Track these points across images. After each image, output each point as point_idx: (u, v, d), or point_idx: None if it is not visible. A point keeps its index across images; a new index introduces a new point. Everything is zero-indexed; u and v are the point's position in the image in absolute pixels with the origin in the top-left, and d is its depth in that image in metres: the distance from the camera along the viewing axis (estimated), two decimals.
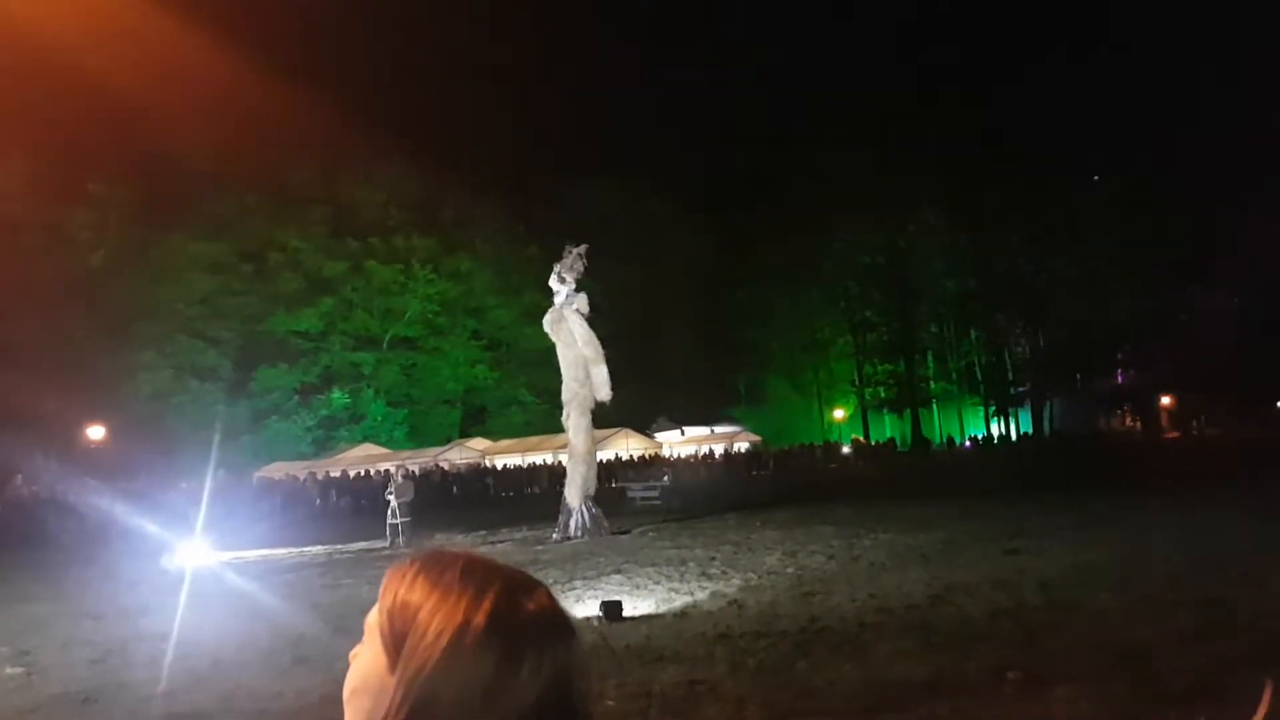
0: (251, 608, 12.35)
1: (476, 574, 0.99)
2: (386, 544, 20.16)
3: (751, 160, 67.42)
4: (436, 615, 0.94)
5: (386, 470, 40.95)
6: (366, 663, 0.98)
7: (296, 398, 54.69)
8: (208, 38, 42.79)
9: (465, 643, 0.93)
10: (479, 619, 0.94)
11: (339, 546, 21.15)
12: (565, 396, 21.71)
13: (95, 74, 39.94)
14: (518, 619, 0.96)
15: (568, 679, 0.97)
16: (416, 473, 32.27)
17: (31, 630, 11.29)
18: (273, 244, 54.39)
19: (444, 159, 55.36)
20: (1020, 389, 69.00)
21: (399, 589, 0.98)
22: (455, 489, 40.52)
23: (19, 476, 35.33)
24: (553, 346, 22.17)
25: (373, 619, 0.99)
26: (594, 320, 21.86)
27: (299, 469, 43.74)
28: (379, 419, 56.42)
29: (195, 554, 18.41)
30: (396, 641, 0.95)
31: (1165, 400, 66.24)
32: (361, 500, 38.22)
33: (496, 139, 60.04)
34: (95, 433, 42.18)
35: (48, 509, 28.66)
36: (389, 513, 20.53)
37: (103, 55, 39.64)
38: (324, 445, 53.84)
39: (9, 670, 9.05)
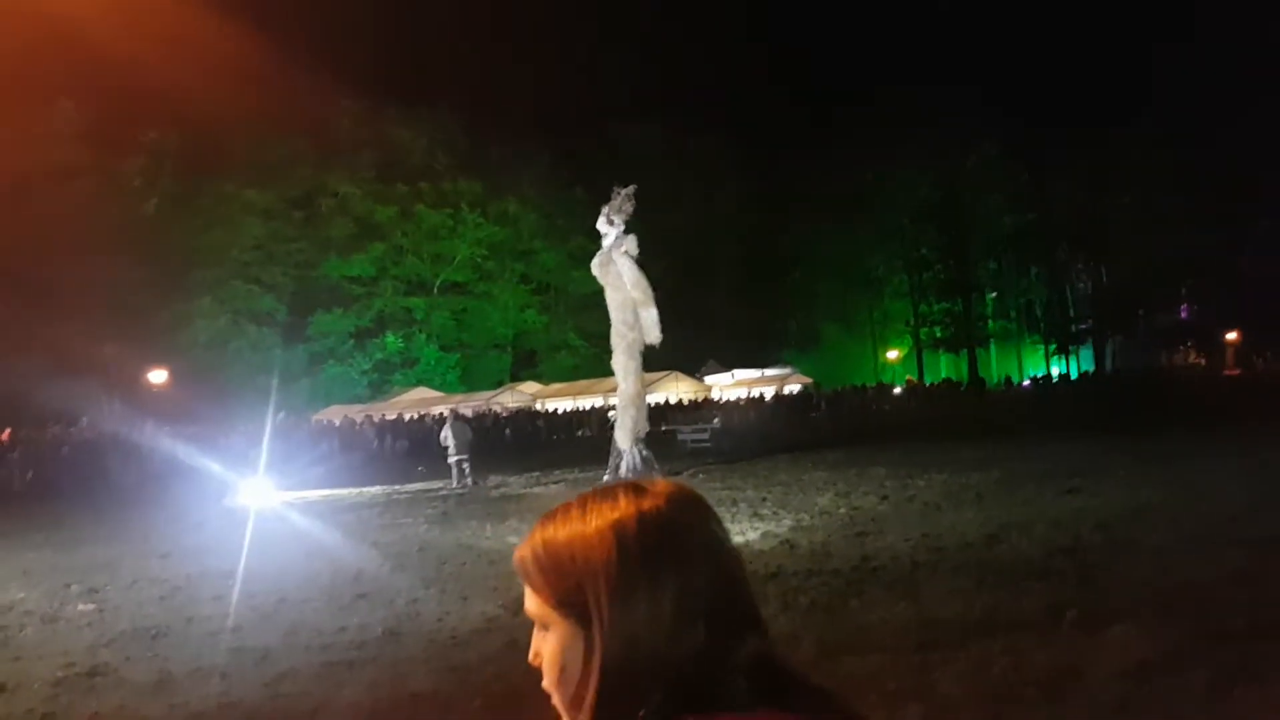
0: (313, 546, 12.63)
1: (595, 494, 0.98)
2: (454, 483, 20.72)
3: (802, 98, 66.19)
4: (590, 548, 0.92)
5: (441, 413, 41.75)
6: (554, 643, 0.94)
7: (351, 342, 55.57)
8: None
9: (630, 551, 0.91)
10: (631, 528, 0.92)
11: (397, 487, 21.53)
12: (614, 340, 21.66)
13: (143, 22, 40.15)
14: (661, 513, 0.93)
15: (725, 556, 0.96)
16: (469, 415, 32.70)
17: (101, 569, 11.66)
18: (322, 190, 54.88)
19: (489, 103, 55.24)
20: (1081, 327, 67.60)
21: (537, 552, 0.96)
22: (507, 432, 40.94)
23: (84, 420, 36.39)
24: (601, 290, 22.06)
25: (533, 608, 0.96)
26: (643, 262, 21.69)
27: (356, 412, 44.45)
28: (432, 363, 57.14)
29: (257, 494, 18.87)
30: (571, 600, 0.92)
31: (1230, 336, 64.57)
32: (418, 443, 38.87)
33: (541, 81, 59.51)
34: (157, 377, 43.16)
35: (112, 452, 29.48)
36: (449, 452, 21.06)
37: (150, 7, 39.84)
38: (379, 389, 54.69)
39: (81, 607, 9.38)
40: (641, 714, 0.86)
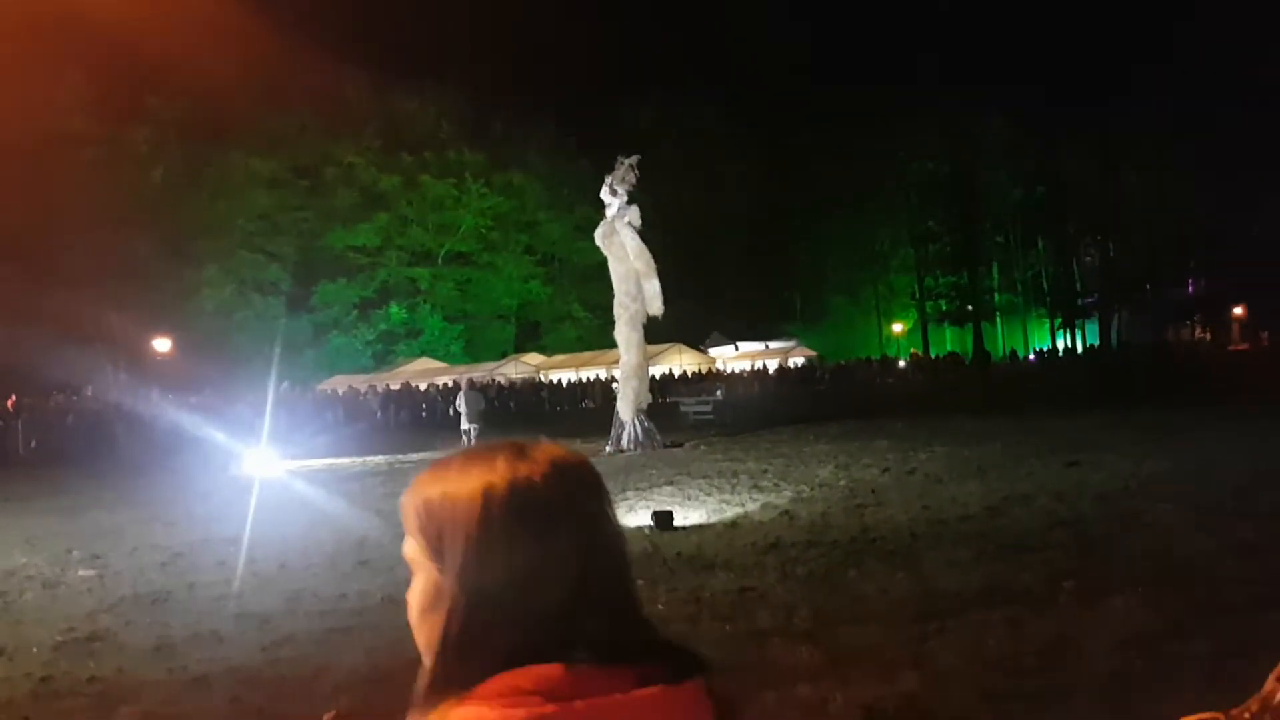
0: (316, 514, 12.67)
1: (481, 451, 0.99)
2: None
3: (808, 70, 65.62)
4: (458, 505, 0.94)
5: (445, 384, 41.82)
6: (418, 584, 0.97)
7: (356, 312, 55.60)
8: None
9: (494, 514, 0.92)
10: (499, 492, 0.93)
11: (399, 457, 21.58)
12: (617, 311, 21.61)
13: None
14: (533, 483, 0.94)
15: (595, 531, 0.96)
16: (474, 382, 32.75)
17: (103, 535, 11.72)
18: (328, 159, 54.67)
19: (493, 73, 54.87)
20: (1087, 300, 67.36)
21: (415, 500, 0.98)
22: (511, 403, 41.01)
23: (89, 388, 36.50)
24: (605, 261, 22.00)
25: (407, 550, 0.99)
26: (646, 233, 21.59)
27: (360, 382, 44.54)
28: (436, 334, 57.22)
29: (261, 463, 18.92)
30: (435, 546, 0.94)
31: (1237, 311, 64.36)
32: (421, 413, 38.96)
33: (546, 51, 59.08)
34: (162, 346, 43.25)
35: (117, 420, 29.58)
36: (461, 420, 21.59)
37: None
38: (383, 359, 54.79)
39: (83, 573, 9.41)
40: (477, 664, 0.89)
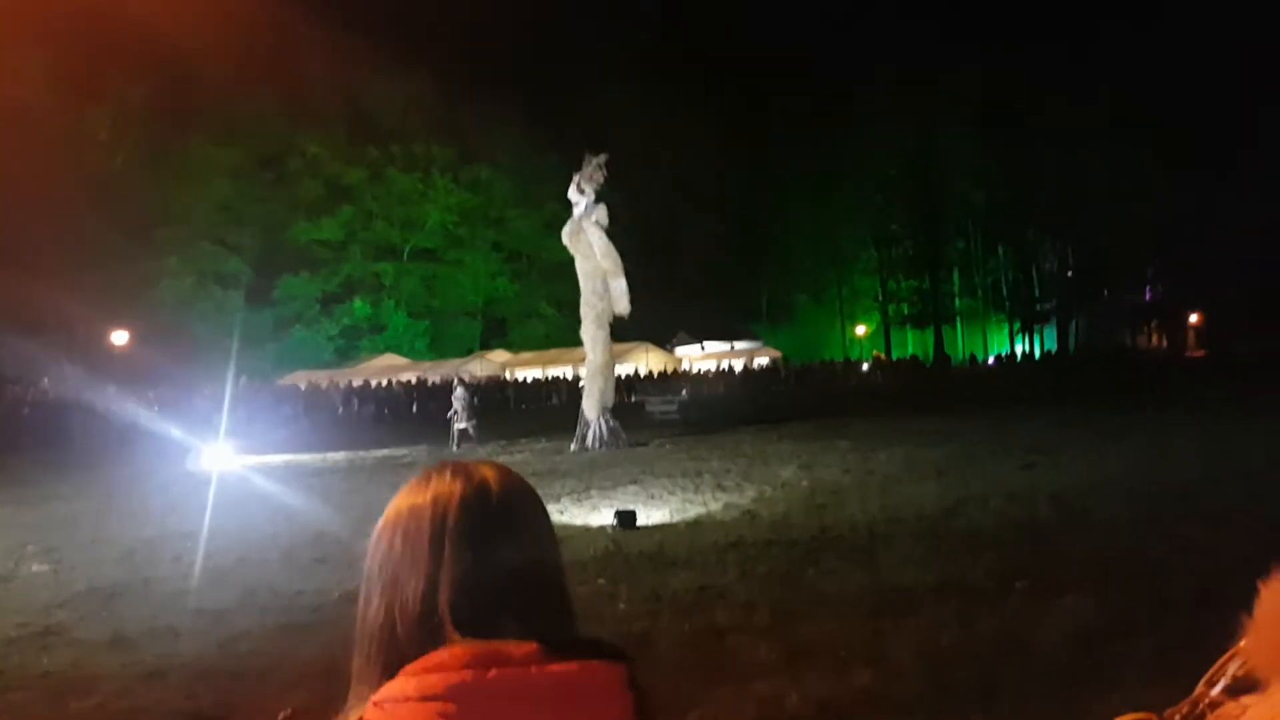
0: (274, 509, 12.58)
1: (421, 474, 1.08)
2: (455, 447, 21.67)
3: (776, 70, 65.88)
4: (384, 522, 1.05)
5: (410, 380, 41.60)
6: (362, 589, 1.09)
7: (319, 306, 55.10)
8: None
9: (389, 522, 1.04)
10: (406, 501, 1.04)
11: (360, 453, 21.44)
12: (583, 309, 21.64)
13: None
14: (466, 501, 1.02)
15: (528, 550, 1.02)
16: (467, 380, 32.68)
17: (59, 528, 11.56)
18: (292, 149, 54.09)
19: (462, 66, 54.45)
20: (1046, 305, 68.25)
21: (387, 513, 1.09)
22: (476, 400, 40.80)
23: (45, 380, 35.87)
24: (573, 259, 22.01)
25: None
26: (613, 233, 21.62)
27: (321, 377, 44.16)
28: (400, 329, 56.81)
29: (219, 458, 18.73)
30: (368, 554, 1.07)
31: (1193, 318, 65.50)
32: (383, 409, 38.68)
33: (515, 46, 58.86)
34: (119, 338, 42.57)
35: (73, 412, 29.11)
36: (451, 416, 22.34)
37: None
38: (346, 354, 54.35)
39: (37, 567, 9.28)
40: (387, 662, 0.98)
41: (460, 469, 1.06)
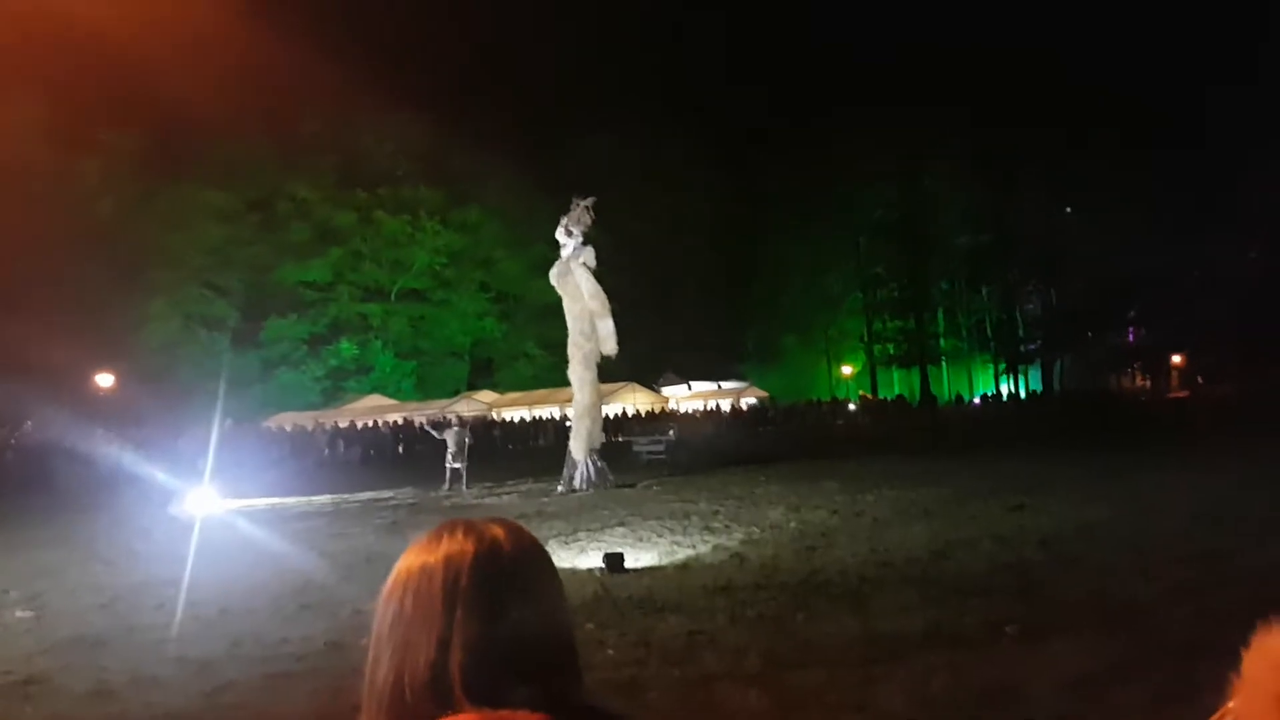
0: (259, 555, 12.45)
1: (434, 530, 1.08)
2: (446, 487, 21.42)
3: (763, 114, 66.66)
4: (391, 581, 1.05)
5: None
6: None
7: (305, 348, 54.93)
8: None
9: (399, 581, 1.03)
10: (417, 560, 1.04)
11: (346, 496, 21.31)
12: (570, 350, 21.70)
13: (103, 20, 39.53)
14: (460, 556, 1.03)
15: (530, 608, 1.02)
16: (463, 420, 32.61)
17: (42, 575, 11.41)
18: (281, 193, 54.25)
19: (452, 110, 54.82)
20: (1031, 346, 68.70)
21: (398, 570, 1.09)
22: (468, 440, 40.67)
23: (29, 423, 35.57)
24: (560, 300, 22.11)
25: None
26: (601, 274, 21.75)
27: (307, 419, 43.94)
28: (387, 370, 56.67)
29: (204, 502, 18.57)
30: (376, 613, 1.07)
31: (1175, 359, 65.97)
32: (370, 451, 38.50)
33: (505, 89, 59.35)
34: (104, 381, 42.32)
35: (57, 455, 28.86)
36: (448, 458, 21.97)
37: (110, 4, 39.24)
38: (332, 396, 54.11)
39: (20, 614, 9.16)
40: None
41: (471, 528, 1.06)
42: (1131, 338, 68.66)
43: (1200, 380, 61.22)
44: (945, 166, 63.67)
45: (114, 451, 26.32)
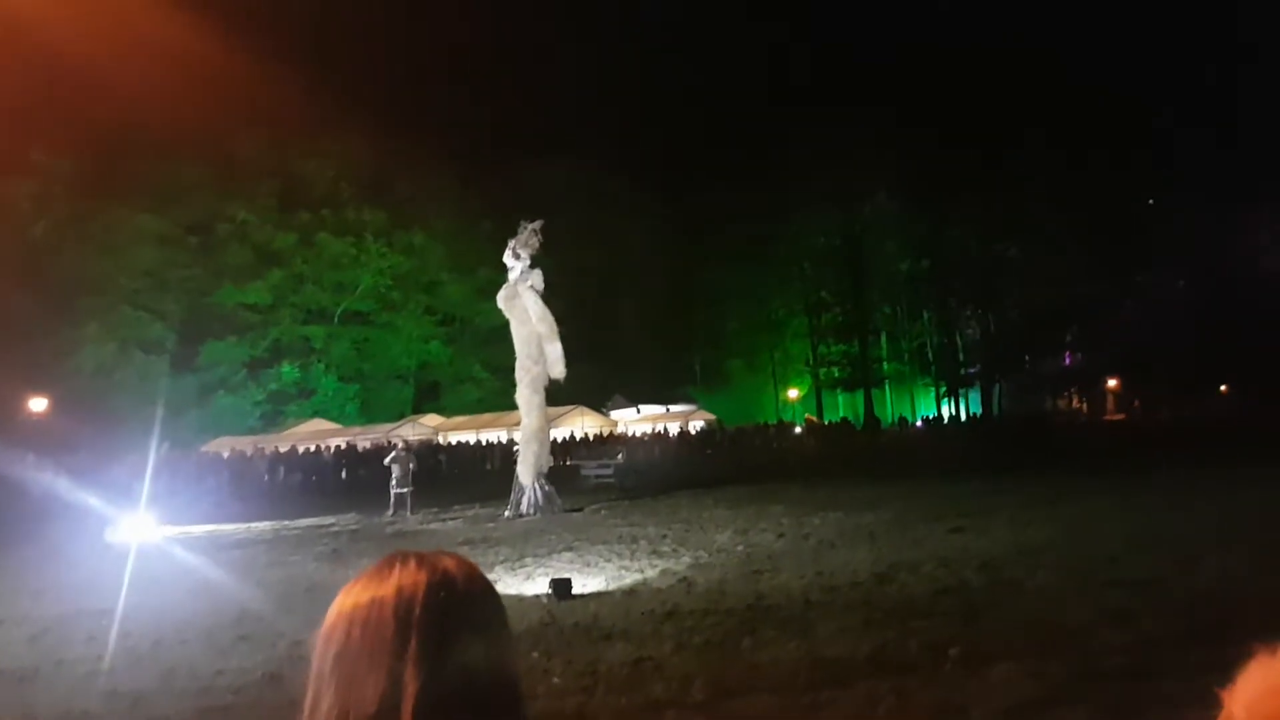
0: (195, 585, 12.17)
1: (379, 563, 1.04)
2: (390, 513, 21.12)
3: (708, 141, 67.45)
4: (326, 623, 1.01)
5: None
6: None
7: (245, 371, 53.94)
8: (155, 7, 41.72)
9: (344, 614, 1.00)
10: (365, 593, 1.00)
11: (286, 523, 20.91)
12: (518, 373, 21.61)
13: (39, 42, 38.82)
14: (413, 587, 1.00)
15: (488, 651, 1.00)
16: (409, 445, 32.13)
17: None
18: (220, 216, 53.37)
19: (396, 133, 54.64)
20: (970, 370, 69.91)
21: (339, 608, 1.04)
22: (413, 466, 40.19)
23: None
24: (507, 323, 22.02)
25: None
26: (549, 296, 21.74)
27: (247, 444, 43.13)
28: (330, 394, 55.86)
29: (139, 529, 18.10)
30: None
31: (1111, 383, 67.49)
32: (311, 476, 37.87)
33: (450, 114, 59.38)
34: (37, 405, 41.19)
35: None
36: (392, 483, 21.63)
37: (47, 23, 38.51)
38: (273, 420, 53.19)
39: None
40: None
41: (423, 559, 1.03)
42: (1068, 361, 70.13)
43: (1137, 405, 62.67)
44: (884, 197, 65.01)
45: (46, 478, 25.57)
